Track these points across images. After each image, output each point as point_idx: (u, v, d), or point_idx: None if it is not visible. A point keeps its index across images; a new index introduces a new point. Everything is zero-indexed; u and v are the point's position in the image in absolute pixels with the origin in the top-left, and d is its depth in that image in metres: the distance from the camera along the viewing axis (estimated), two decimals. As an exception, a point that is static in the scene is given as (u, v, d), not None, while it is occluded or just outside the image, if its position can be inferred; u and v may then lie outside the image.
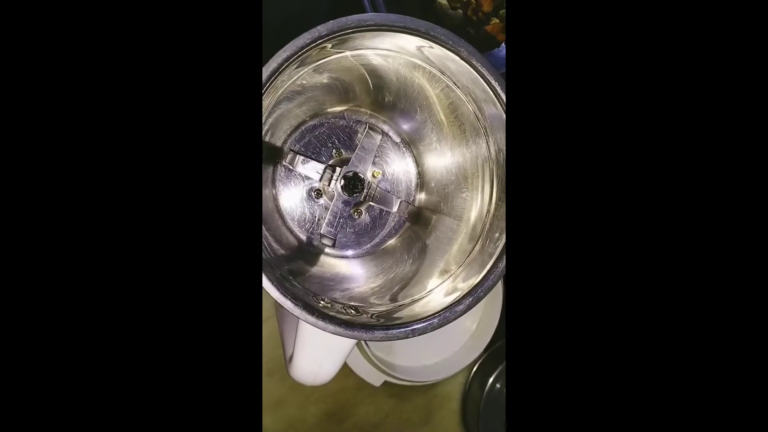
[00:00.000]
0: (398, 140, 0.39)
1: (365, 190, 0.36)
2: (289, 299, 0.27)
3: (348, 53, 0.32)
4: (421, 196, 0.39)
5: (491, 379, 0.51)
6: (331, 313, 0.28)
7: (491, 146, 0.33)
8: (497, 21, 0.42)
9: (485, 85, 0.29)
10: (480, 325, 0.52)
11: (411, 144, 0.39)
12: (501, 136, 0.31)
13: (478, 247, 0.33)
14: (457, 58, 0.29)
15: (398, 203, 0.38)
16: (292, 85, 0.32)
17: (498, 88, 0.29)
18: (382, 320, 0.30)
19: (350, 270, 0.38)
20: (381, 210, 0.38)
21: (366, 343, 0.46)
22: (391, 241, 0.39)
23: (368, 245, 0.39)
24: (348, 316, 0.29)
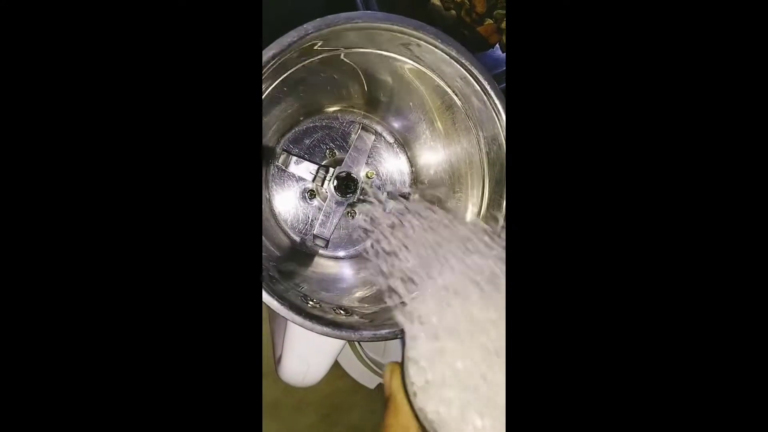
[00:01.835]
0: (392, 140, 0.39)
1: (359, 191, 0.36)
2: (276, 299, 0.27)
3: (341, 52, 0.32)
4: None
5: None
6: (318, 314, 0.28)
7: (481, 142, 0.33)
8: (491, 22, 0.41)
9: (472, 80, 0.29)
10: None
11: (405, 144, 0.38)
12: (491, 129, 0.31)
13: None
14: (446, 56, 0.29)
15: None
16: (280, 84, 0.32)
17: (486, 85, 0.29)
18: (371, 320, 0.29)
19: (342, 271, 0.38)
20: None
21: (360, 345, 0.46)
22: (385, 243, 0.39)
23: (362, 246, 0.39)
24: (336, 317, 0.29)
